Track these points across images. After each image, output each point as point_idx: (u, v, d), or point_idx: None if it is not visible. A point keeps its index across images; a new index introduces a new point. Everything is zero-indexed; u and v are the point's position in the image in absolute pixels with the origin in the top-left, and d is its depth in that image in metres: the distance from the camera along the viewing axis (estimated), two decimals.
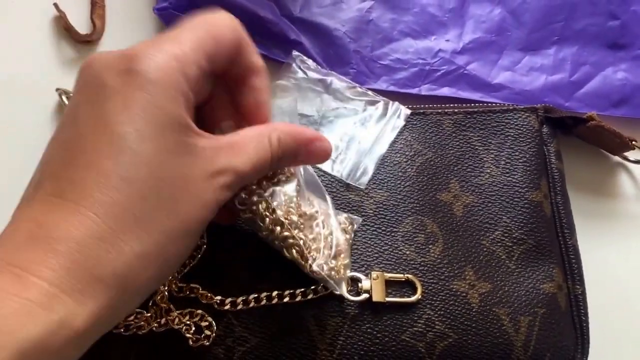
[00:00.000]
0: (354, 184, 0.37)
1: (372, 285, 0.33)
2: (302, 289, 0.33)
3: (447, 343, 0.33)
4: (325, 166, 0.37)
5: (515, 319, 0.34)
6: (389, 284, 0.34)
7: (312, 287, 0.33)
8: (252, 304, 0.33)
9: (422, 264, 0.35)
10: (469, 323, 0.34)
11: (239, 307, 0.32)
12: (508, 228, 0.37)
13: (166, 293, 0.32)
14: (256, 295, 0.33)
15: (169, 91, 0.24)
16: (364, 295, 0.33)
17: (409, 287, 0.34)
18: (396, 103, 0.40)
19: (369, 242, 0.35)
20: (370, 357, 0.33)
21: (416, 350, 0.33)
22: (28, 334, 0.19)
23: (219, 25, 0.27)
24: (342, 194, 0.36)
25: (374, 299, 0.33)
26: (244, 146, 0.27)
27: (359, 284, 0.33)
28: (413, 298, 0.34)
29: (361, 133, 0.39)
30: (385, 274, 0.34)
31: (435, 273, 0.35)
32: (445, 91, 0.43)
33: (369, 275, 0.34)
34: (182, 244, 0.25)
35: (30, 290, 0.20)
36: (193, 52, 0.25)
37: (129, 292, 0.22)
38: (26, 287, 0.20)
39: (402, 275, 0.34)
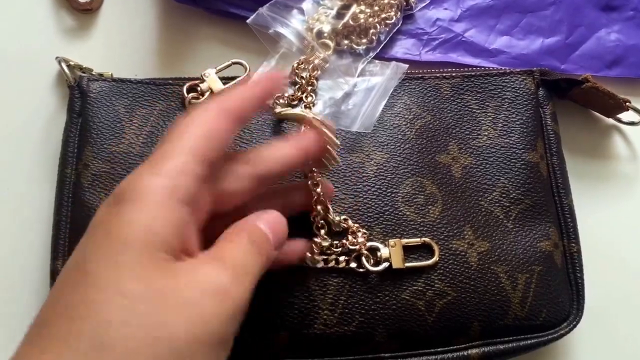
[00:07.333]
0: (362, 130, 0.37)
1: (391, 253, 0.34)
2: None
3: (446, 301, 0.34)
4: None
5: (512, 276, 0.35)
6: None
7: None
8: None
9: (421, 224, 0.35)
10: (467, 281, 0.34)
11: None
12: (506, 188, 0.37)
13: None
14: None
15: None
16: (384, 264, 0.33)
17: (424, 250, 0.35)
18: (393, 62, 0.40)
19: (370, 202, 0.35)
20: (372, 316, 0.33)
21: (416, 308, 0.33)
22: None
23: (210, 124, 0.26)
24: (343, 156, 0.36)
25: (394, 266, 0.33)
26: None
27: (378, 253, 0.34)
28: (431, 261, 0.34)
29: (364, 83, 0.39)
30: (403, 240, 0.34)
31: (435, 233, 0.35)
32: (444, 57, 0.43)
33: (387, 244, 0.34)
34: None
35: None
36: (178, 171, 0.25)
37: None
38: None
39: (418, 239, 0.34)
